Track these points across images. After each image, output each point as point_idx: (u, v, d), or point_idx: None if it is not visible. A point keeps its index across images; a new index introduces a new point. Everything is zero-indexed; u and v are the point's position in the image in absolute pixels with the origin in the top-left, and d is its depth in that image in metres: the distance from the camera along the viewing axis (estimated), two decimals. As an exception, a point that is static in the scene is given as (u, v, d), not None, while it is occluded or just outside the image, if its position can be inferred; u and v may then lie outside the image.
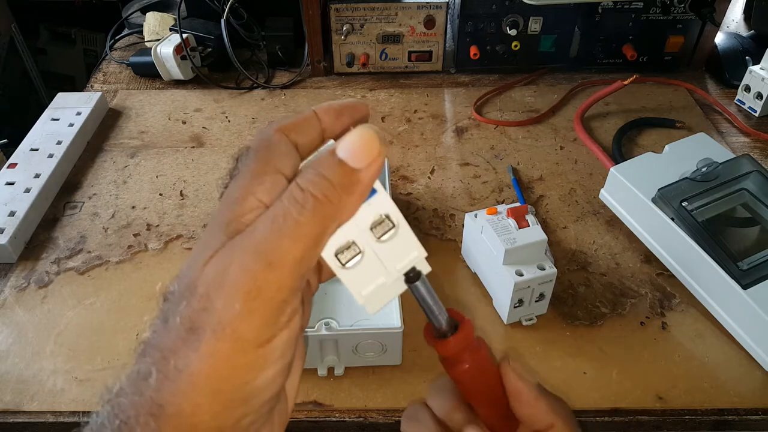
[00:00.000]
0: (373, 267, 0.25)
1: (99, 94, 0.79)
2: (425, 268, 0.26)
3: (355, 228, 0.24)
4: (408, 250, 0.25)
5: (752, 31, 0.92)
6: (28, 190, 0.64)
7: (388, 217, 0.24)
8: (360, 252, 0.24)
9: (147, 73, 0.87)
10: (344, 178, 0.22)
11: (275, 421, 0.25)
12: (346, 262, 0.24)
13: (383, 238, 0.24)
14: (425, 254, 0.26)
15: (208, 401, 0.21)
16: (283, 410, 0.26)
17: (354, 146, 0.22)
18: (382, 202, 0.24)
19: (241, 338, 0.21)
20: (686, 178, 0.57)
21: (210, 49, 0.86)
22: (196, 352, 0.21)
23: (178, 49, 0.82)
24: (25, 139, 0.71)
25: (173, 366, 0.21)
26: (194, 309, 0.21)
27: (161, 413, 0.21)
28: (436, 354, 0.29)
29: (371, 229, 0.24)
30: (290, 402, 0.27)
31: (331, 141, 0.25)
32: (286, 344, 0.23)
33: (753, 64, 0.79)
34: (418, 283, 0.26)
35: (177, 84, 0.86)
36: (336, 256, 0.24)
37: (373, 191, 0.24)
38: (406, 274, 0.26)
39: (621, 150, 0.72)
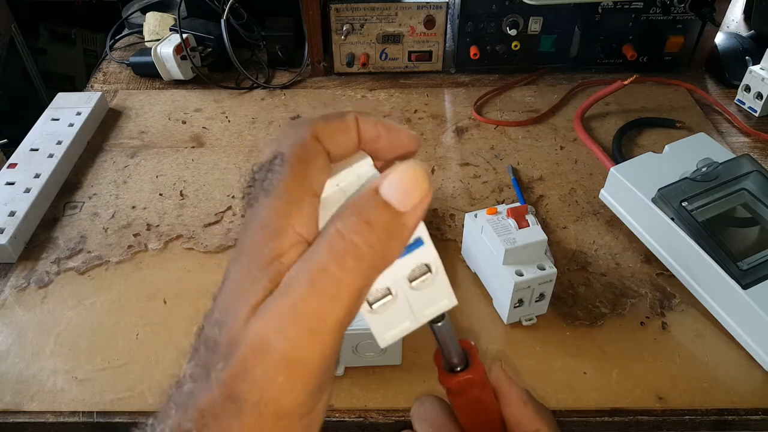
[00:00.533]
0: (400, 311, 0.23)
1: (99, 94, 0.79)
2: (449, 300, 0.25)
3: (391, 273, 0.22)
4: (439, 298, 0.24)
5: (752, 31, 0.92)
6: (28, 190, 0.64)
7: (427, 264, 0.23)
8: (391, 296, 0.23)
9: (147, 73, 0.87)
10: (389, 222, 0.20)
11: None
12: (374, 303, 0.22)
13: (418, 285, 0.23)
14: (455, 303, 0.24)
15: None
16: None
17: (402, 187, 0.20)
18: (426, 253, 0.23)
19: (285, 413, 0.20)
20: (686, 178, 0.57)
21: (210, 49, 0.86)
22: (240, 424, 0.19)
23: (178, 49, 0.82)
24: (25, 139, 0.71)
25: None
26: (232, 374, 0.19)
27: None
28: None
29: (408, 277, 0.23)
30: None
31: (368, 159, 0.23)
32: (325, 406, 0.21)
33: (753, 64, 0.79)
34: (440, 324, 0.26)
35: (177, 84, 0.86)
36: (367, 299, 0.22)
37: (419, 242, 0.22)
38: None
39: (621, 150, 0.72)
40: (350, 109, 0.23)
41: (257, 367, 0.19)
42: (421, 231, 0.22)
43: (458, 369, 0.28)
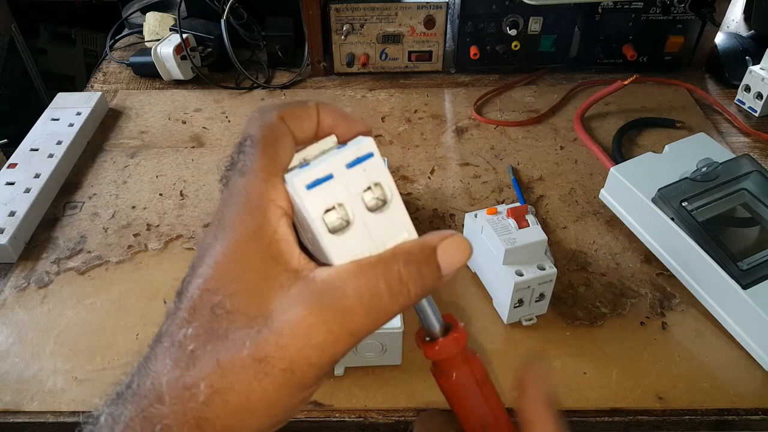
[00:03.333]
0: (360, 238, 0.24)
1: (99, 94, 0.79)
2: None
3: (347, 193, 0.23)
4: (398, 230, 0.24)
5: (752, 31, 0.92)
6: (28, 190, 0.64)
7: (381, 186, 0.24)
8: (348, 218, 0.23)
9: (147, 73, 0.87)
10: (435, 281, 0.24)
11: None
12: (333, 227, 0.23)
13: (374, 208, 0.24)
14: (415, 236, 0.25)
15: (258, 423, 0.22)
16: None
17: (456, 261, 0.24)
18: (378, 170, 0.24)
19: (304, 383, 0.23)
20: (686, 178, 0.57)
21: (210, 49, 0.86)
22: (261, 384, 0.22)
23: (178, 49, 0.82)
24: (25, 139, 0.71)
25: (231, 387, 0.21)
26: (267, 341, 0.22)
27: (207, 426, 0.21)
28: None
29: (363, 197, 0.24)
30: None
31: (333, 136, 0.25)
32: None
33: (753, 64, 0.79)
34: None
35: (177, 84, 0.86)
36: (324, 220, 0.23)
37: (370, 154, 0.24)
38: None
39: (621, 150, 0.72)
40: (312, 100, 0.26)
41: (295, 345, 0.22)
42: (371, 146, 0.24)
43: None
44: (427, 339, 0.27)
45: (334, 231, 0.23)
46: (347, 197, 0.23)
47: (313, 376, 0.22)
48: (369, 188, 0.24)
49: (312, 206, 0.23)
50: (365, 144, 0.24)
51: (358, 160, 0.23)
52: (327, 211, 0.23)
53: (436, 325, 0.27)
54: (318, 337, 0.22)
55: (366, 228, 0.24)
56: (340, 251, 0.23)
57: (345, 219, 0.23)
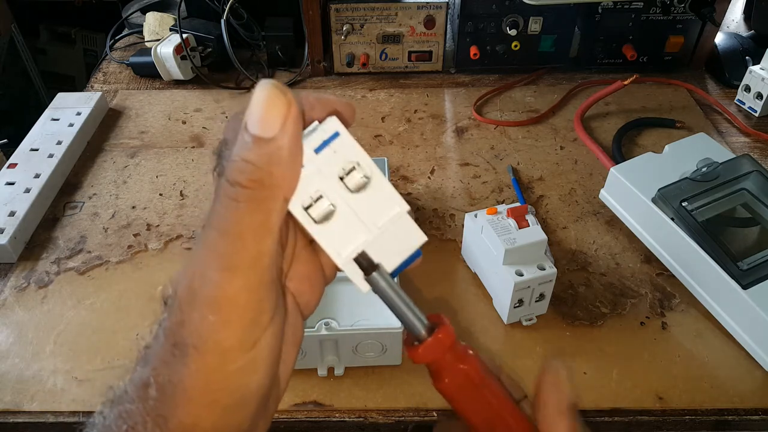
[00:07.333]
0: (349, 223, 0.22)
1: (99, 94, 0.79)
2: (419, 240, 0.23)
3: (323, 178, 0.22)
4: (387, 204, 0.23)
5: (752, 31, 0.92)
6: (28, 190, 0.64)
7: (358, 165, 0.22)
8: (332, 205, 0.22)
9: (147, 73, 0.87)
10: (264, 153, 0.20)
11: (270, 408, 0.25)
12: (317, 217, 0.22)
13: (356, 188, 0.22)
14: (407, 208, 0.23)
15: (206, 413, 0.21)
16: (276, 396, 0.26)
17: (259, 114, 0.20)
18: (349, 148, 0.22)
19: (224, 348, 0.21)
20: (686, 178, 0.57)
21: (210, 49, 0.86)
22: (186, 367, 0.21)
23: (178, 49, 0.82)
24: (25, 139, 0.71)
25: (167, 379, 0.21)
26: (173, 323, 0.21)
27: (165, 424, 0.21)
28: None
29: (341, 179, 0.22)
30: (283, 385, 0.26)
31: (315, 123, 0.24)
32: (272, 343, 0.22)
33: (753, 64, 0.79)
34: (375, 276, 0.23)
35: (177, 84, 0.86)
36: (306, 210, 0.22)
37: (336, 134, 0.22)
38: (358, 261, 0.23)
39: (621, 150, 0.72)
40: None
41: (191, 312, 0.21)
42: (336, 125, 0.22)
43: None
44: (416, 343, 0.25)
45: (320, 220, 0.22)
46: (324, 183, 0.22)
47: (227, 339, 0.21)
48: (352, 169, 0.22)
49: (293, 206, 0.22)
50: (330, 124, 0.22)
51: (325, 143, 0.22)
52: (311, 202, 0.22)
53: (417, 327, 0.25)
54: (201, 291, 0.20)
55: (352, 210, 0.22)
56: (330, 240, 0.22)
57: (327, 206, 0.22)
